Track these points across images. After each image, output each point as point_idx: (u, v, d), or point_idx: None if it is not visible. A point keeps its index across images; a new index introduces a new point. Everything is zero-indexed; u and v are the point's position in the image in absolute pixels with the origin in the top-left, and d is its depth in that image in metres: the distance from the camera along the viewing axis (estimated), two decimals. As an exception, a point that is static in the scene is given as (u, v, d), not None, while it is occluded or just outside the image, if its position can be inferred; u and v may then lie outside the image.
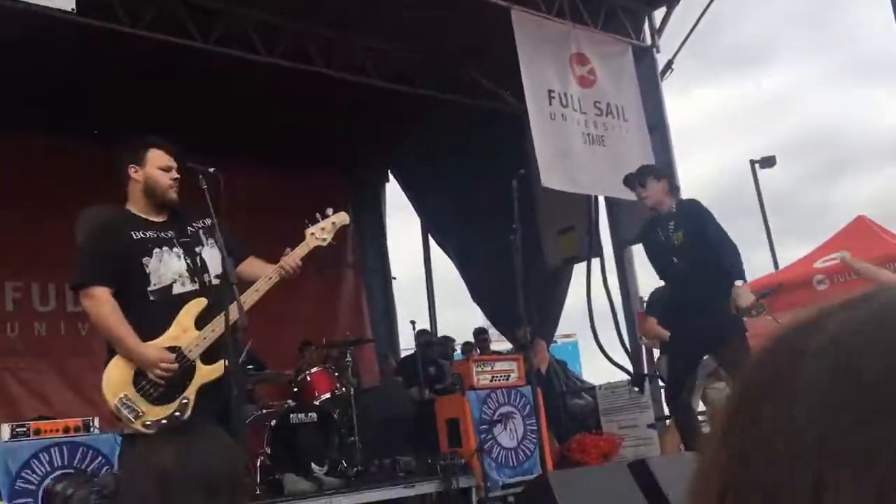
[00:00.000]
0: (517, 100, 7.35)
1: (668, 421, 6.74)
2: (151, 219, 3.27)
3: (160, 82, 7.55)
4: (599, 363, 8.22)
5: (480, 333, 9.07)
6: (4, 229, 7.44)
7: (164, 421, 3.00)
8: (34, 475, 4.33)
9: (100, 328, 3.14)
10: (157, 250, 3.17)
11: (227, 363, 3.09)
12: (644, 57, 7.76)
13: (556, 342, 11.40)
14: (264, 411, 5.95)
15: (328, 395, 6.21)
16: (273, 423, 5.55)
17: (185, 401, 3.05)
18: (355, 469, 5.91)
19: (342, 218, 3.49)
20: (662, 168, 6.04)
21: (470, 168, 8.76)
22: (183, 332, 3.12)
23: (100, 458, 4.50)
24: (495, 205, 5.92)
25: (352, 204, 10.37)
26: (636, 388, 7.14)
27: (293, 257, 3.29)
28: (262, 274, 3.31)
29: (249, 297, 3.18)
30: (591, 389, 8.22)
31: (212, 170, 3.26)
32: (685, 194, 6.07)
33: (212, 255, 3.26)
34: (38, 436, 4.42)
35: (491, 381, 6.36)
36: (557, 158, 6.77)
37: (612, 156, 7.16)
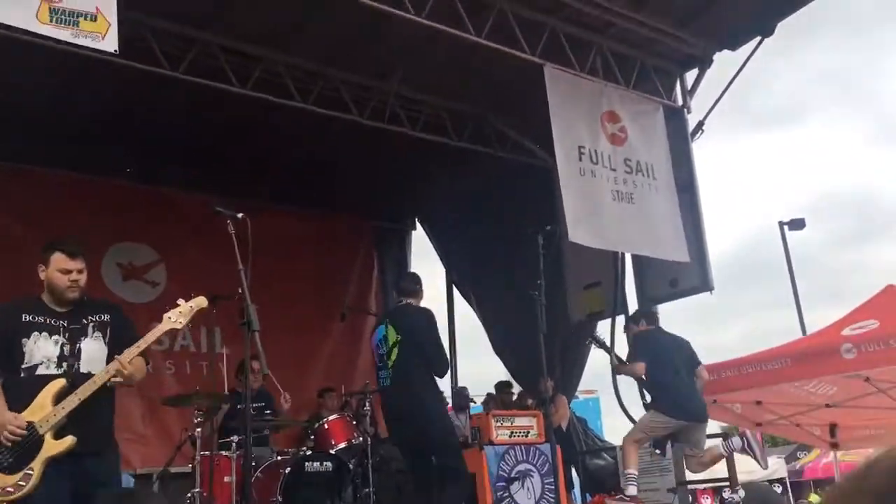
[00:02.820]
0: (547, 154, 7.37)
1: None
2: (54, 307, 3.61)
3: (195, 124, 7.69)
4: (620, 420, 8.07)
5: (505, 387, 8.94)
6: (29, 264, 7.51)
7: (9, 488, 3.22)
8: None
9: None
10: (35, 333, 3.50)
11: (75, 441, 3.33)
12: (675, 117, 7.77)
13: (577, 397, 11.22)
14: (279, 457, 5.87)
15: (345, 444, 6.13)
16: (288, 469, 5.47)
17: (29, 472, 3.26)
18: (369, 521, 5.80)
19: (200, 302, 3.67)
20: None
21: (497, 220, 8.77)
22: (40, 408, 3.36)
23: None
24: (520, 258, 5.90)
25: (377, 250, 10.43)
26: (657, 451, 6.99)
27: (129, 352, 3.47)
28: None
29: (86, 390, 3.38)
30: (612, 450, 8.06)
31: (240, 215, 3.32)
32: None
33: (92, 348, 3.55)
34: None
35: (510, 436, 6.26)
36: (585, 214, 6.75)
37: (640, 213, 7.13)
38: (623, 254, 7.97)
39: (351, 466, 5.89)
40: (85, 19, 4.66)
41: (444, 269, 10.65)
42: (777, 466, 19.00)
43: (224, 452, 5.48)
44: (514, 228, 7.68)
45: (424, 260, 11.20)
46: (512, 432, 6.30)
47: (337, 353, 9.33)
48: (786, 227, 15.36)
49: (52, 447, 3.32)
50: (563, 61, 6.89)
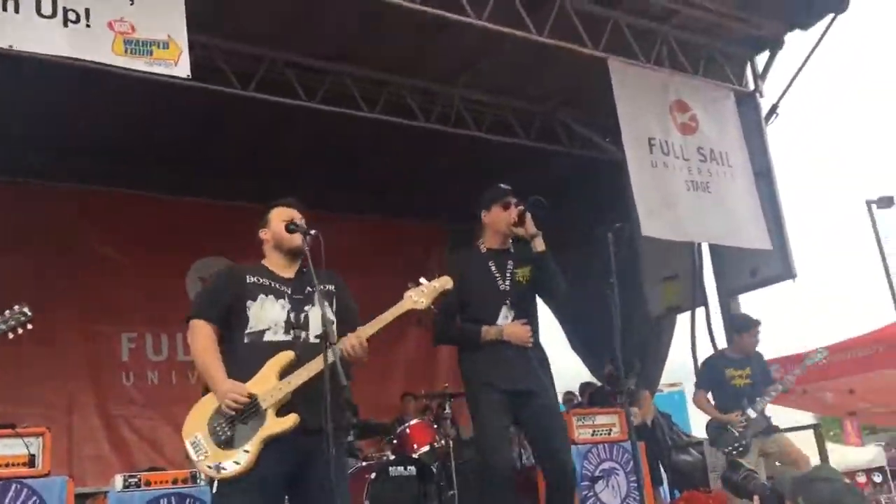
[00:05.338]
0: (616, 147, 7.28)
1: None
2: (279, 273, 3.36)
3: (267, 141, 7.88)
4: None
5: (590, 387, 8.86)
6: (120, 283, 7.84)
7: (223, 466, 2.99)
8: (145, 525, 4.46)
9: (194, 357, 3.23)
10: (262, 296, 3.24)
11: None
12: (747, 102, 7.57)
13: (661, 391, 11.03)
14: (364, 463, 5.97)
15: (427, 448, 6.18)
16: (372, 475, 5.55)
17: (245, 450, 3.02)
18: (455, 524, 5.84)
19: (444, 283, 3.42)
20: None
21: (569, 217, 8.63)
22: (265, 380, 3.11)
23: (206, 509, 4.58)
24: (593, 255, 5.83)
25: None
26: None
27: (366, 329, 3.28)
28: None
29: (316, 365, 3.10)
30: (699, 444, 7.90)
31: (313, 231, 3.31)
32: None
33: (319, 317, 3.23)
34: (148, 487, 4.55)
35: (592, 435, 6.20)
36: (660, 207, 6.64)
37: (718, 202, 6.98)
38: (699, 245, 7.81)
39: (434, 469, 5.94)
40: (158, 47, 4.82)
41: (518, 269, 10.61)
42: (875, 454, 18.29)
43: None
44: (587, 225, 7.57)
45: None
46: (594, 430, 6.24)
47: (417, 359, 9.41)
48: (874, 206, 14.77)
49: (274, 425, 3.04)
50: (628, 53, 6.80)
